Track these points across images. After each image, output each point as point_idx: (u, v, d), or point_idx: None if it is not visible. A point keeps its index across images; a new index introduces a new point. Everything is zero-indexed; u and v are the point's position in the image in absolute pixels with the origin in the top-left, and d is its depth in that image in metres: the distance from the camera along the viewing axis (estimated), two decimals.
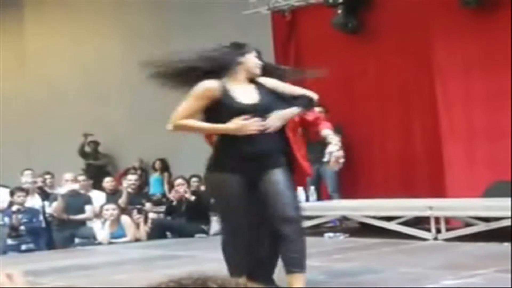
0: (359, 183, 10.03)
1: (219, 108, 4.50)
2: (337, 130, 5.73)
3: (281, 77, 4.90)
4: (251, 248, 4.66)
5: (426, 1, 9.34)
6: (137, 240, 9.25)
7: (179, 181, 9.66)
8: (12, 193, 9.58)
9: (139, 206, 9.90)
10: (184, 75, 4.60)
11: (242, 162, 4.50)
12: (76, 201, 9.90)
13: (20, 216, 9.26)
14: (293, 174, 4.75)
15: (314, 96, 4.82)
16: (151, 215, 9.84)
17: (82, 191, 10.17)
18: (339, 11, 9.91)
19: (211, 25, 11.50)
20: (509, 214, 6.90)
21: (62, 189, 10.24)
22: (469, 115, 9.06)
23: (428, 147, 9.53)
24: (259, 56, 4.76)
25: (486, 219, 7.30)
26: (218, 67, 4.59)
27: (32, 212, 9.52)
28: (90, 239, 9.21)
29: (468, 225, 7.60)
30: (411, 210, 8.02)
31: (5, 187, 10.23)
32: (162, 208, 9.96)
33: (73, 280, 6.20)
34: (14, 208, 9.31)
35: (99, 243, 9.02)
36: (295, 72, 5.10)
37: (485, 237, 7.08)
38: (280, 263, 4.73)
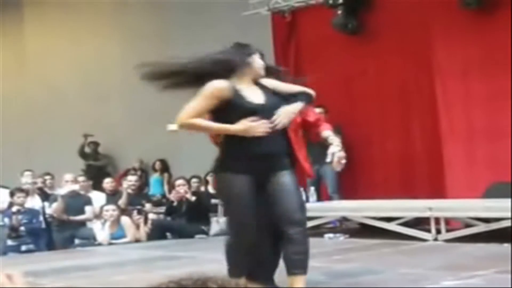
0: (359, 183, 10.02)
1: (229, 108, 4.49)
2: (336, 130, 5.73)
3: (281, 78, 4.90)
4: (254, 249, 4.66)
5: (426, 1, 9.34)
6: (137, 241, 9.24)
7: (179, 181, 9.65)
8: (12, 194, 9.58)
9: (139, 207, 9.90)
10: (195, 81, 4.57)
11: (250, 163, 4.50)
12: (76, 202, 9.90)
13: (20, 217, 9.26)
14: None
15: (312, 92, 4.83)
16: (151, 216, 9.83)
17: (82, 192, 10.17)
18: (339, 12, 9.91)
19: (211, 26, 11.50)
20: (509, 215, 6.90)
21: (62, 190, 10.25)
22: (469, 115, 9.06)
23: (428, 147, 9.53)
24: (262, 57, 4.77)
25: (486, 220, 7.30)
26: (228, 69, 4.59)
27: (32, 213, 9.52)
28: (90, 240, 9.21)
29: (468, 226, 7.59)
30: (411, 211, 8.02)
31: (5, 188, 10.23)
32: (162, 209, 9.94)
33: (73, 281, 6.20)
34: (14, 209, 9.32)
35: (99, 244, 9.01)
36: (296, 81, 5.09)
37: (485, 238, 7.07)
38: (280, 264, 4.73)
